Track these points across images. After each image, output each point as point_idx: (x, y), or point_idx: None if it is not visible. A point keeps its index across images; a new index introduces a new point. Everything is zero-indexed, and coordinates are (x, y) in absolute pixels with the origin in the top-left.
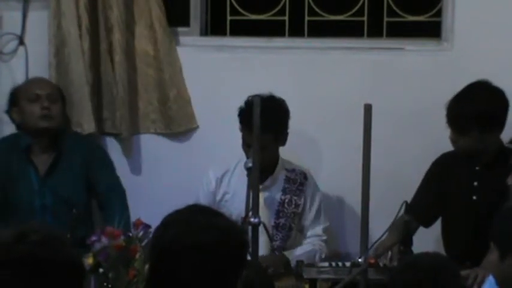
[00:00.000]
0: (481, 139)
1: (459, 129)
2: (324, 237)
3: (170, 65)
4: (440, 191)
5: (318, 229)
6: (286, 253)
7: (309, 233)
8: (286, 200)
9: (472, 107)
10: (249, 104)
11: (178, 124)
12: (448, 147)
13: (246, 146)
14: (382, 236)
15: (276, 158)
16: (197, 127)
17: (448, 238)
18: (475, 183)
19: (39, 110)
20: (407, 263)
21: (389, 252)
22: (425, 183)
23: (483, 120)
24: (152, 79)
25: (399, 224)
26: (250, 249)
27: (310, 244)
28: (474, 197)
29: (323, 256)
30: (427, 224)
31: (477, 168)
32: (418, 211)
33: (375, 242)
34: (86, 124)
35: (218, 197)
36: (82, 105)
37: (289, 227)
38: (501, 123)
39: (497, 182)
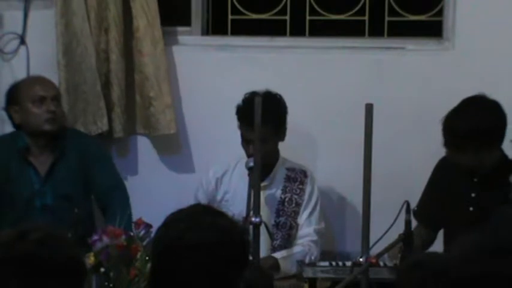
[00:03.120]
0: (476, 156)
1: (454, 147)
2: (315, 238)
3: (152, 67)
4: (442, 195)
5: (310, 229)
6: (275, 254)
7: (300, 233)
8: (287, 199)
9: (466, 125)
10: (247, 101)
11: (156, 128)
12: None
13: (246, 142)
14: (383, 235)
15: (275, 155)
16: (175, 133)
17: (447, 246)
18: (473, 195)
19: (45, 113)
20: (413, 263)
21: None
22: (429, 189)
23: (478, 138)
24: (137, 80)
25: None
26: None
27: (299, 245)
28: (471, 208)
29: (312, 258)
30: (433, 227)
31: (475, 180)
32: (424, 217)
33: (376, 242)
34: (99, 122)
35: (219, 197)
36: (96, 103)
37: (290, 226)
38: (498, 139)
39: (495, 195)
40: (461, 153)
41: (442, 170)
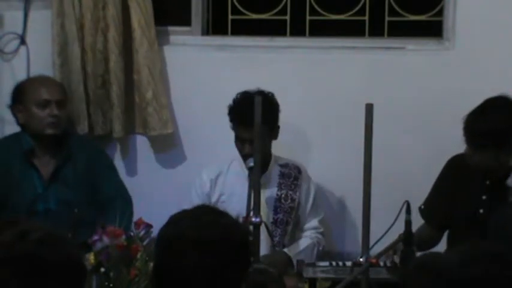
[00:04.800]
0: (496, 157)
1: (475, 145)
2: (321, 229)
3: (147, 67)
4: (451, 195)
5: (315, 221)
6: (286, 250)
7: (305, 226)
8: (283, 195)
9: (487, 124)
10: (239, 100)
11: (152, 128)
12: (449, 146)
13: (240, 142)
14: (383, 235)
15: (269, 153)
16: (172, 132)
17: (450, 246)
18: (484, 197)
19: (48, 117)
20: (421, 264)
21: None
22: (437, 187)
23: (500, 138)
24: (135, 80)
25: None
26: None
27: (308, 238)
28: (481, 210)
29: (321, 248)
30: (439, 227)
31: (487, 182)
32: (429, 213)
33: (376, 242)
34: (81, 124)
35: (214, 199)
36: (79, 105)
37: (286, 222)
38: None
39: (506, 198)
40: (480, 153)
41: (452, 169)
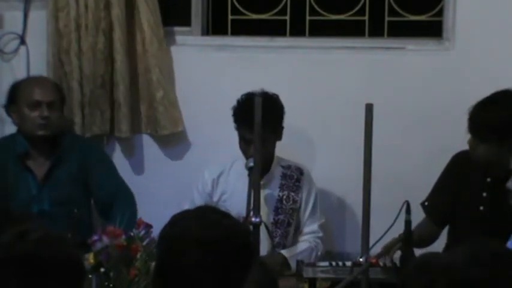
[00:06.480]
0: (500, 150)
1: (479, 136)
2: (320, 234)
3: (158, 66)
4: (453, 192)
5: (314, 226)
6: (283, 252)
7: (305, 230)
8: (284, 197)
9: (497, 115)
10: (243, 102)
11: (163, 127)
12: (449, 146)
13: (244, 143)
14: (383, 235)
15: (272, 154)
16: (182, 131)
17: (451, 243)
18: (484, 194)
19: (38, 118)
20: (421, 264)
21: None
22: (441, 181)
23: (504, 132)
24: (142, 80)
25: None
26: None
27: (306, 242)
28: (481, 207)
29: (319, 253)
30: (441, 223)
31: (488, 179)
32: (432, 209)
33: (376, 242)
34: (76, 124)
35: (216, 198)
36: (73, 104)
37: (287, 223)
38: None
39: (506, 199)
40: (484, 146)
41: (456, 167)
